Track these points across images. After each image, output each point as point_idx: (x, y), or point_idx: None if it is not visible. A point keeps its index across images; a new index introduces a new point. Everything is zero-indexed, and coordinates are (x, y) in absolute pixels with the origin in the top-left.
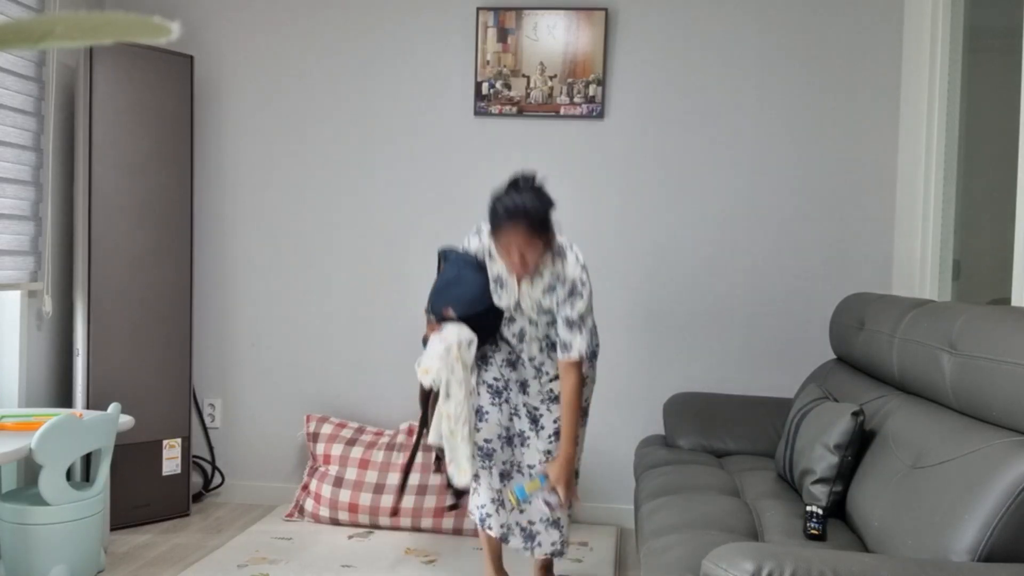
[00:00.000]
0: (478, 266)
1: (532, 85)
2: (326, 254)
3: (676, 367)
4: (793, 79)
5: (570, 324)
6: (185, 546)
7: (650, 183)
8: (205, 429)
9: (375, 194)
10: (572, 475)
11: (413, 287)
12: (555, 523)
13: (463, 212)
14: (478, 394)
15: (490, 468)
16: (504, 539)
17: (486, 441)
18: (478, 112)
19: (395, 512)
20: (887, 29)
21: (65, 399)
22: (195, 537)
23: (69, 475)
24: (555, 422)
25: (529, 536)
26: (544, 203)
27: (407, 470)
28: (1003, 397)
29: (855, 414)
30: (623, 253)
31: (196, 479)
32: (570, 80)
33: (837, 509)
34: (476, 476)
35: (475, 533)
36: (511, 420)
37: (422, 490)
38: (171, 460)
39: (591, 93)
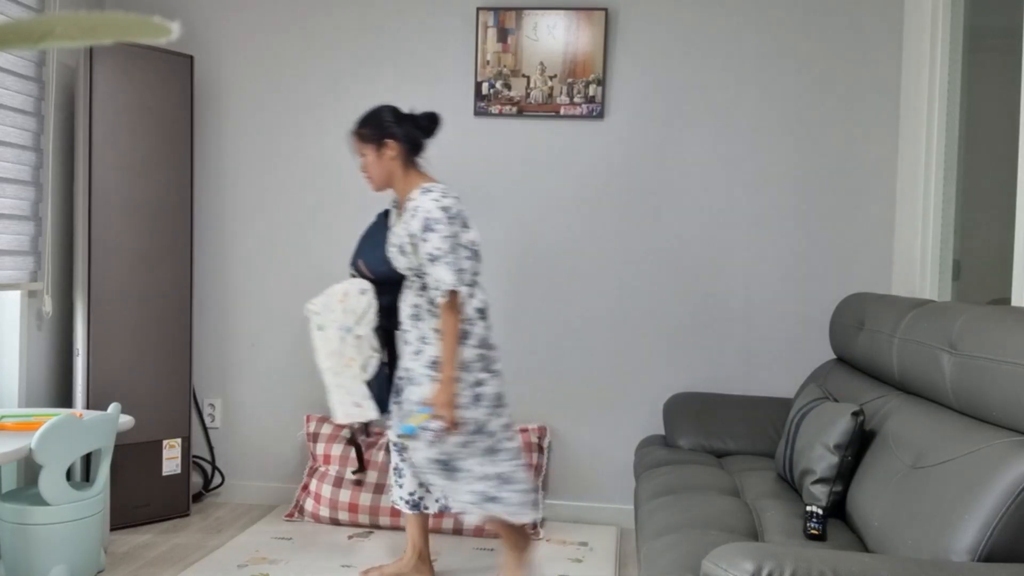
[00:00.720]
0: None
1: (532, 85)
2: (326, 254)
3: (676, 367)
4: (793, 79)
5: (431, 259)
6: (185, 546)
7: (650, 183)
8: (205, 429)
9: (375, 194)
10: (452, 398)
11: None
12: (444, 467)
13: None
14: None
15: (409, 458)
16: (424, 507)
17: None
18: (478, 112)
19: (363, 468)
20: (887, 29)
21: (65, 399)
22: (195, 537)
23: (69, 475)
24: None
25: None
26: (377, 111)
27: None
28: (1003, 397)
29: (855, 414)
30: (623, 253)
31: (196, 479)
32: (570, 80)
33: (837, 509)
34: (397, 469)
35: (475, 533)
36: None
37: None
38: (171, 460)
39: (591, 93)
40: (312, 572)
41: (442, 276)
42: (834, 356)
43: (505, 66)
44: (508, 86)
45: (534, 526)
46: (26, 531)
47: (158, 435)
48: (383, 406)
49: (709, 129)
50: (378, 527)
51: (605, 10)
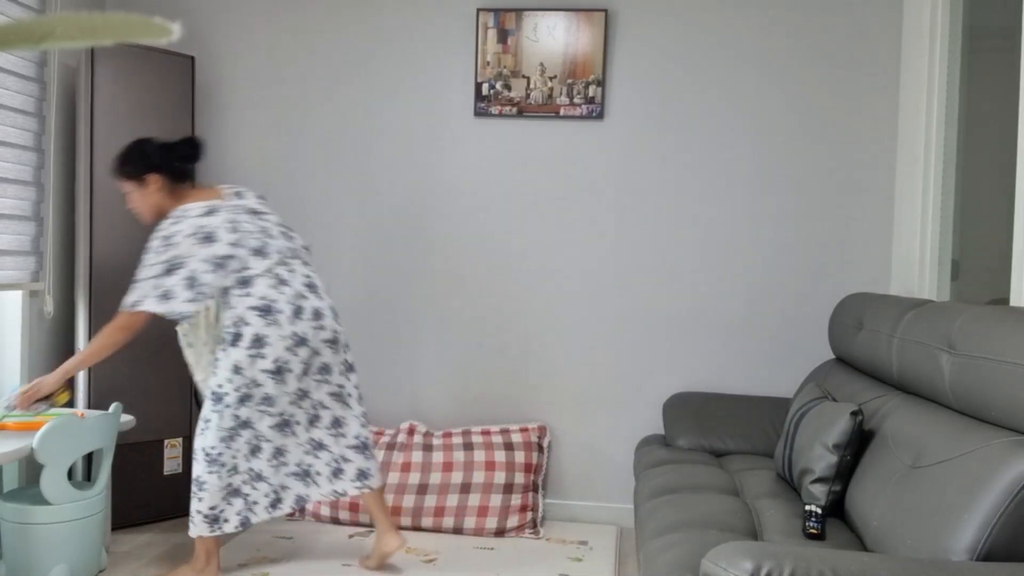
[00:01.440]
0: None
1: (532, 86)
2: (326, 254)
3: (676, 367)
4: (792, 79)
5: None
6: (186, 546)
7: (650, 183)
8: None
9: (375, 194)
10: (49, 387)
11: (413, 287)
12: None
13: (463, 212)
14: None
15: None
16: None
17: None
18: (478, 113)
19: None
20: (886, 29)
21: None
22: None
23: (70, 475)
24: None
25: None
26: (127, 151)
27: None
28: (1002, 397)
29: (854, 414)
30: (623, 253)
31: None
32: (570, 81)
33: (836, 508)
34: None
35: (475, 532)
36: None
37: (422, 489)
38: (172, 460)
39: (591, 94)
40: (312, 571)
41: (135, 293)
42: (833, 356)
43: (505, 67)
44: (508, 87)
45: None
46: (27, 530)
47: (159, 435)
48: None
49: (709, 129)
50: None
51: (605, 11)
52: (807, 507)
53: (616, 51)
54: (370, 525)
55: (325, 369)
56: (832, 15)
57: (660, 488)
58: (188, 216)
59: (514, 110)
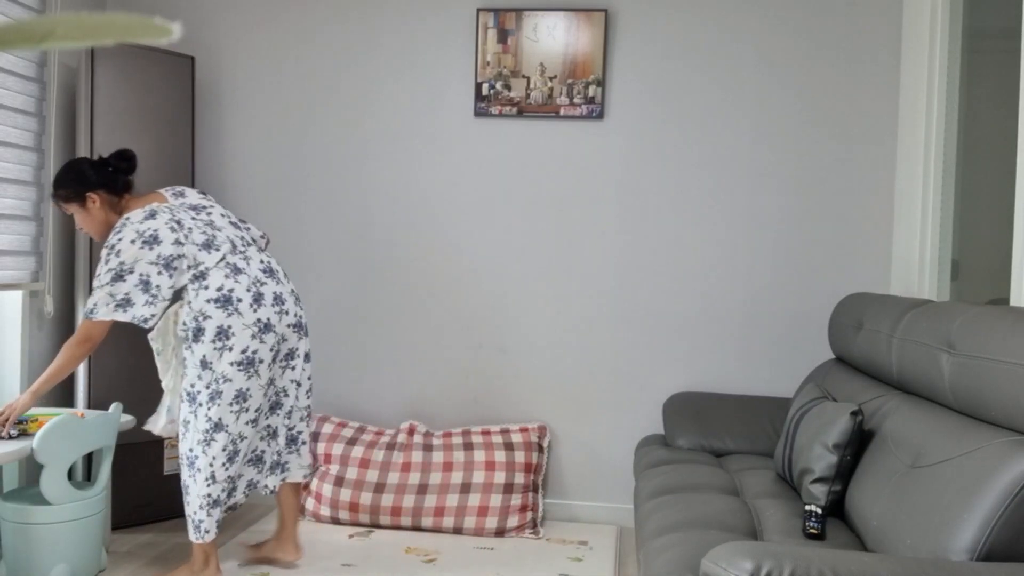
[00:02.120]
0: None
1: (532, 86)
2: (326, 254)
3: (676, 367)
4: (792, 79)
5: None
6: (186, 546)
7: (650, 183)
8: None
9: (375, 194)
10: (19, 409)
11: (413, 287)
12: None
13: (463, 212)
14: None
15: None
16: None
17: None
18: (478, 113)
19: None
20: (886, 30)
21: (66, 399)
22: None
23: (71, 475)
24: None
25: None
26: (62, 174)
27: None
28: (1002, 397)
29: (854, 414)
30: (623, 253)
31: None
32: (570, 81)
33: (836, 508)
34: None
35: (475, 532)
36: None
37: (422, 489)
38: (172, 460)
39: (591, 94)
40: (312, 571)
41: (89, 302)
42: (833, 356)
43: (505, 67)
44: (508, 87)
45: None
46: (27, 530)
47: (159, 434)
48: None
49: (708, 129)
50: (379, 526)
51: (605, 11)
52: (807, 507)
53: (616, 51)
54: (370, 525)
55: (290, 355)
56: (832, 15)
57: (660, 488)
58: (130, 223)
59: (514, 110)
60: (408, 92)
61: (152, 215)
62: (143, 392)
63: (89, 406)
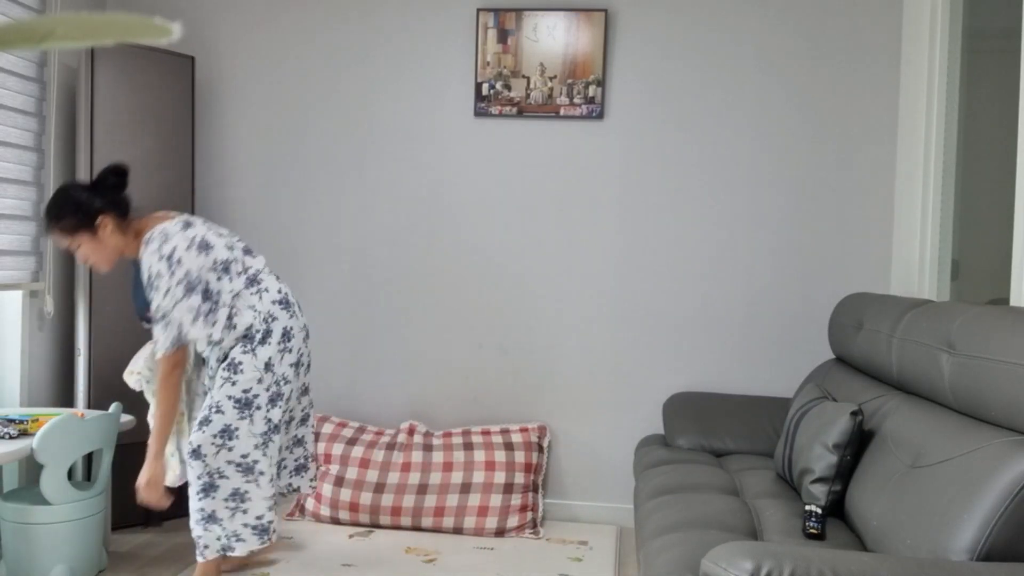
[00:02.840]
0: None
1: (532, 86)
2: (326, 254)
3: (676, 367)
4: (792, 79)
5: (156, 316)
6: (186, 546)
7: (650, 183)
8: None
9: (375, 194)
10: (157, 477)
11: (413, 287)
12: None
13: (463, 213)
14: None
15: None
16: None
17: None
18: (478, 113)
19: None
20: (886, 30)
21: (66, 399)
22: None
23: (70, 475)
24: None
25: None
26: (61, 204)
27: None
28: (1002, 397)
29: (854, 414)
30: (622, 253)
31: None
32: (570, 81)
33: (836, 508)
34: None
35: (475, 532)
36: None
37: (422, 489)
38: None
39: (591, 94)
40: (312, 571)
41: (158, 336)
42: (833, 356)
43: (505, 67)
44: (508, 87)
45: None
46: (27, 530)
47: None
48: None
49: (708, 129)
50: (379, 526)
51: (605, 11)
52: (807, 507)
53: (616, 51)
54: (370, 525)
55: (308, 363)
56: (832, 15)
57: (660, 488)
58: (173, 233)
59: (514, 110)
60: (408, 92)
61: (189, 224)
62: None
63: (89, 406)
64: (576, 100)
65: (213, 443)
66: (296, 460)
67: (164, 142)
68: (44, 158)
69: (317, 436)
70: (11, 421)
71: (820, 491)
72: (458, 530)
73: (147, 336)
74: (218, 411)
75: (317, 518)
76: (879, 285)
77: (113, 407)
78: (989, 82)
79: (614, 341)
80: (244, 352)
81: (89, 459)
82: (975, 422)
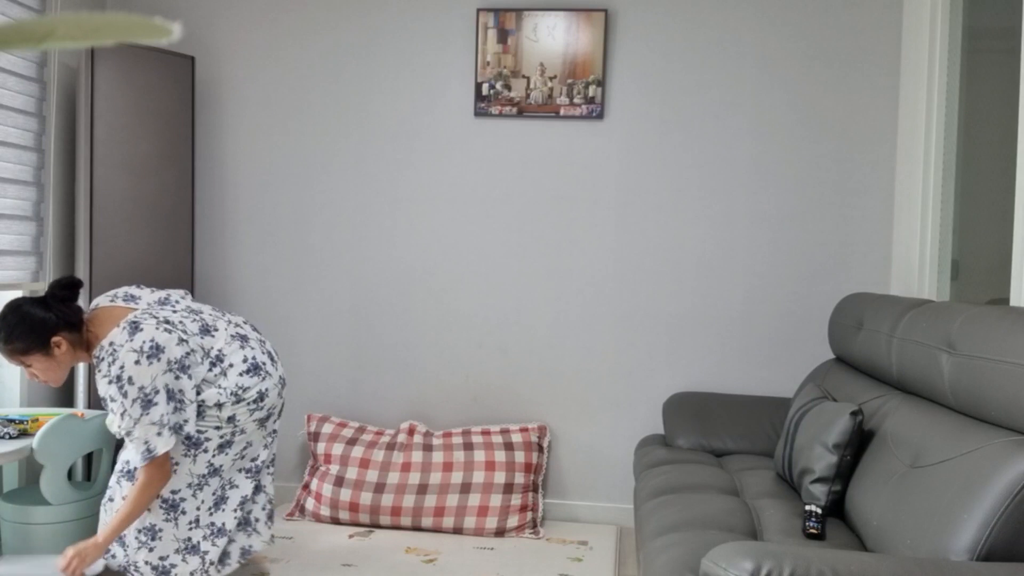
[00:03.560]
0: None
1: (532, 86)
2: (326, 254)
3: (675, 367)
4: (792, 79)
5: (123, 434)
6: None
7: (650, 183)
8: None
9: (375, 194)
10: (85, 559)
11: (413, 287)
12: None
13: (463, 213)
14: None
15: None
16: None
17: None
18: (478, 113)
19: None
20: (886, 29)
21: (66, 399)
22: None
23: (70, 475)
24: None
25: None
26: (14, 325)
27: None
28: (1001, 397)
29: (854, 414)
30: (622, 253)
31: None
32: (570, 81)
33: (836, 508)
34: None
35: (475, 532)
36: None
37: (422, 489)
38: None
39: (591, 94)
40: (312, 571)
41: (132, 456)
42: (833, 356)
43: (505, 67)
44: (508, 87)
45: None
46: (27, 530)
47: None
48: None
49: (708, 129)
50: (379, 526)
51: (605, 11)
52: (807, 507)
53: (616, 51)
54: (370, 525)
55: (279, 411)
56: (832, 15)
57: (660, 488)
58: (119, 348)
59: (514, 110)
60: (408, 92)
61: (136, 327)
62: None
63: (89, 406)
64: (576, 100)
65: None
66: (264, 508)
67: (164, 142)
68: (44, 158)
69: (317, 436)
70: (11, 421)
71: (820, 491)
72: (458, 530)
73: None
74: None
75: (317, 518)
76: (879, 285)
77: None
78: (989, 82)
79: (614, 341)
80: (217, 405)
81: (89, 459)
82: (975, 422)
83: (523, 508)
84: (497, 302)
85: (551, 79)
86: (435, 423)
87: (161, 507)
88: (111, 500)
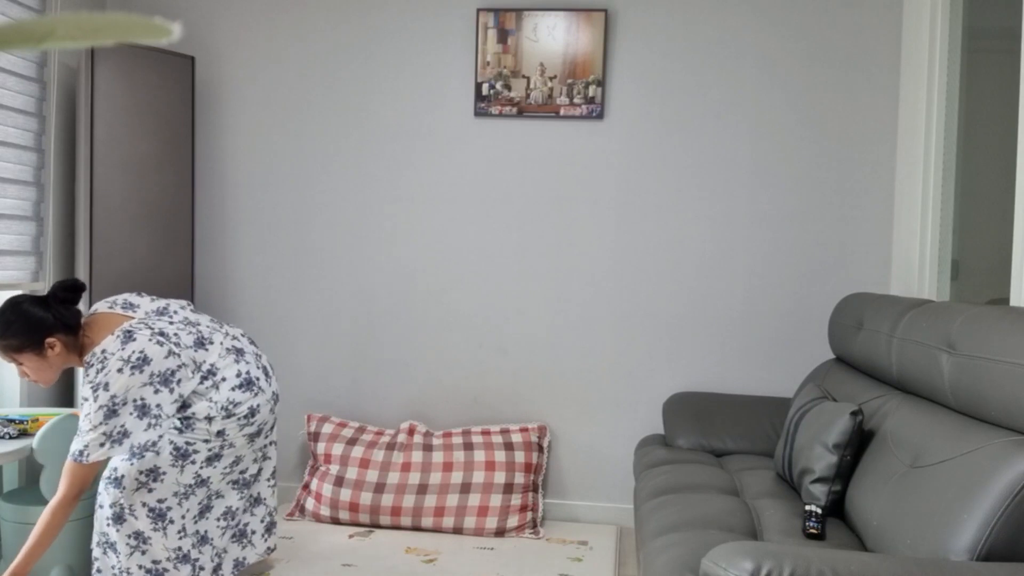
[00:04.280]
0: None
1: (532, 86)
2: (326, 254)
3: (676, 367)
4: (792, 79)
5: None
6: None
7: (650, 183)
8: None
9: (375, 194)
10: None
11: (413, 287)
12: None
13: (463, 213)
14: None
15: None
16: None
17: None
18: (478, 113)
19: None
20: (886, 29)
21: (66, 399)
22: None
23: None
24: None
25: None
26: (16, 312)
27: None
28: (1001, 397)
29: (854, 414)
30: (623, 253)
31: None
32: (570, 81)
33: (836, 508)
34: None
35: (475, 532)
36: None
37: (422, 489)
38: None
39: (591, 94)
40: (312, 571)
41: (76, 444)
42: (833, 356)
43: (505, 67)
44: (508, 87)
45: None
46: (27, 530)
47: None
48: None
49: (708, 129)
50: (379, 526)
51: (605, 11)
52: (807, 507)
53: (616, 51)
54: (370, 525)
55: (272, 426)
56: (832, 15)
57: (660, 488)
58: (110, 355)
59: (514, 110)
60: (408, 92)
61: (130, 336)
62: None
63: None
64: (576, 100)
65: (137, 479)
66: (263, 520)
67: (164, 142)
68: (44, 158)
69: (317, 436)
70: (11, 421)
71: (820, 491)
72: (458, 530)
73: None
74: (155, 451)
75: (317, 518)
76: (879, 285)
77: None
78: (989, 82)
79: (614, 341)
80: (206, 419)
81: None
82: (975, 422)
83: (523, 508)
84: (497, 302)
85: (551, 79)
86: (435, 423)
87: (148, 516)
88: (100, 507)
